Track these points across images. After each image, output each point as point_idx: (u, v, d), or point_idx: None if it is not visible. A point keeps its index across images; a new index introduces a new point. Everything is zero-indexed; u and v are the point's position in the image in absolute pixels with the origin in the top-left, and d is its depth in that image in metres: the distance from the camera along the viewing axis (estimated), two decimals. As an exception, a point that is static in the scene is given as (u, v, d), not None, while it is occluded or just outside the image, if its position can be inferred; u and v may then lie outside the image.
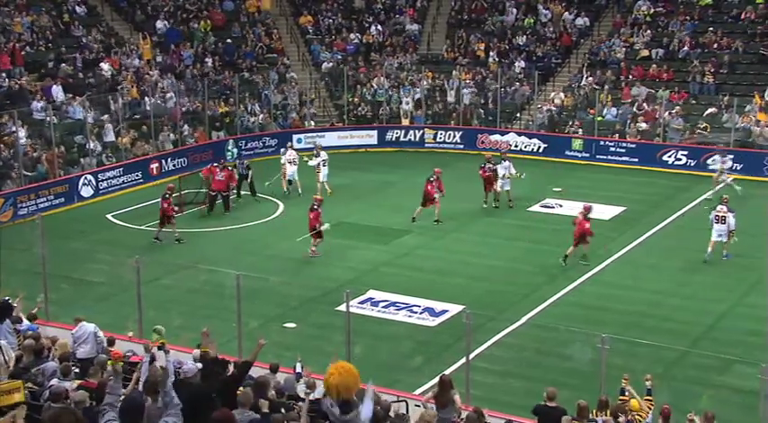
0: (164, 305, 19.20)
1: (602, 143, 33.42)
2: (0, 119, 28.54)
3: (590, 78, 35.65)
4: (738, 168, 30.71)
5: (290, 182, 29.16)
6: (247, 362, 10.79)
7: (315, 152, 29.55)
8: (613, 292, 20.91)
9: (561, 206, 27.40)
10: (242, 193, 28.71)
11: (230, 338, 16.08)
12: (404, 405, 13.62)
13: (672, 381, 15.91)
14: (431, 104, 36.98)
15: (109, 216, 27.03)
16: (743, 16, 35.96)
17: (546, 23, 38.82)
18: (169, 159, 31.57)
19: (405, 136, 36.10)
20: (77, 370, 12.39)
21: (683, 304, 20.18)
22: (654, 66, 35.45)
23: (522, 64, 37.12)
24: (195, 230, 25.38)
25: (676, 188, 29.46)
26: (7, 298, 14.00)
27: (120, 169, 29.98)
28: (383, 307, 19.72)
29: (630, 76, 35.41)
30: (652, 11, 37.60)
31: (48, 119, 29.03)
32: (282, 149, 30.31)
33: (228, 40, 37.90)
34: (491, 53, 37.98)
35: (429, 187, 25.64)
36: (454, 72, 37.35)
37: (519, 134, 34.75)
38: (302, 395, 12.46)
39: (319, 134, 34.86)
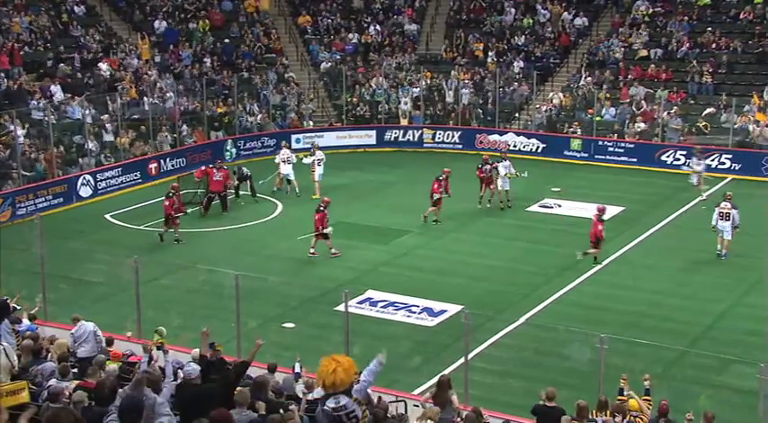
0: (162, 305, 19.18)
1: (600, 143, 33.41)
2: (-1, 119, 28.58)
3: (588, 78, 35.64)
4: (737, 168, 30.78)
5: (288, 181, 29.16)
6: (245, 362, 10.78)
7: (311, 151, 29.56)
8: (612, 292, 20.90)
9: (560, 206, 27.41)
10: (240, 193, 28.68)
11: (229, 338, 16.01)
12: (402, 405, 13.63)
13: (671, 381, 15.91)
14: (429, 104, 36.98)
15: (107, 216, 27.00)
16: (741, 16, 35.97)
17: (544, 23, 38.81)
18: (168, 159, 31.55)
19: (403, 136, 36.09)
20: (76, 370, 12.37)
21: (683, 304, 20.16)
22: (652, 66, 35.44)
23: (521, 64, 37.12)
24: (194, 230, 25.33)
25: (675, 188, 29.40)
26: (6, 298, 13.97)
27: (119, 169, 29.93)
28: (382, 307, 19.70)
29: (629, 76, 35.41)
30: (650, 11, 37.61)
31: (46, 119, 29.00)
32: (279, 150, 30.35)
33: (227, 40, 37.89)
34: (490, 53, 37.99)
35: (435, 185, 25.56)
36: (453, 72, 37.33)
37: (517, 134, 34.72)
38: (300, 395, 12.47)
39: (318, 134, 34.86)
